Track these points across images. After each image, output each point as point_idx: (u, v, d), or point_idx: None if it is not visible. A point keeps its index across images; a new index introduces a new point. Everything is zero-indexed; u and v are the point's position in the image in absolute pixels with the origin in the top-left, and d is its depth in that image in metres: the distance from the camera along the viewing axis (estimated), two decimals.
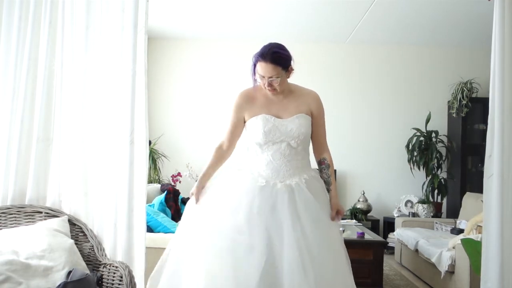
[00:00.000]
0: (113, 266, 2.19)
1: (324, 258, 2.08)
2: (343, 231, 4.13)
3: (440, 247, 4.03)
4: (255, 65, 2.17)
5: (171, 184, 5.26)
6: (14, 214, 2.36)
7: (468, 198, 4.93)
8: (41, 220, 2.36)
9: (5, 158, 2.44)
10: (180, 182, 5.72)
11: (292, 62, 2.20)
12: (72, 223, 2.40)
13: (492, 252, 2.32)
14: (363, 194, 5.98)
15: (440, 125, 6.06)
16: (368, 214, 5.94)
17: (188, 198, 2.43)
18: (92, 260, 2.32)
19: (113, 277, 2.16)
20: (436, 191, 5.76)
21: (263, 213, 2.09)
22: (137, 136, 2.39)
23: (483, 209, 2.41)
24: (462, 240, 2.97)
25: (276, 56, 2.13)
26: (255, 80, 2.23)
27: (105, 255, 2.33)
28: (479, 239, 2.89)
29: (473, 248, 2.71)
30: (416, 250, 4.49)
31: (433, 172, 5.76)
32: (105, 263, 2.25)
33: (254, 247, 2.02)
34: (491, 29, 2.41)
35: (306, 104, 2.29)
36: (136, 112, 2.39)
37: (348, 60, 6.31)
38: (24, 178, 2.46)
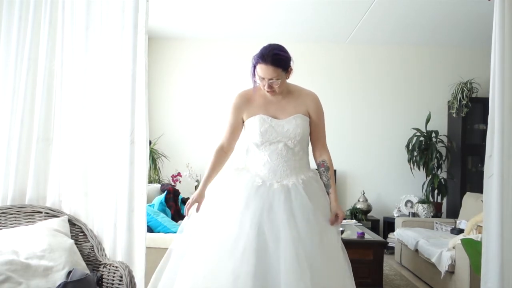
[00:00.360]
0: (113, 266, 2.19)
1: (319, 259, 2.08)
2: (343, 231, 4.13)
3: (440, 247, 4.03)
4: (254, 67, 2.16)
5: (171, 184, 5.26)
6: (14, 214, 2.36)
7: (468, 198, 4.94)
8: (41, 220, 2.36)
9: (5, 158, 2.44)
10: (180, 182, 5.72)
11: (291, 62, 2.19)
12: (72, 223, 2.40)
13: (492, 252, 2.32)
14: (363, 194, 5.98)
15: (440, 125, 6.06)
16: (368, 214, 5.94)
17: (188, 198, 2.44)
18: (92, 260, 2.32)
19: (113, 277, 2.16)
20: (436, 191, 5.76)
21: (259, 213, 2.09)
22: (137, 136, 2.39)
23: (483, 209, 2.41)
24: (462, 240, 2.97)
25: (277, 58, 2.11)
26: (254, 82, 2.22)
27: (105, 255, 2.33)
28: (479, 239, 2.89)
29: (473, 248, 2.71)
30: (416, 250, 4.49)
31: (433, 172, 5.76)
32: (105, 263, 2.25)
33: (250, 247, 2.02)
34: (491, 29, 2.41)
35: (305, 105, 2.28)
36: (136, 112, 2.39)
37: (348, 60, 6.31)
38: (24, 178, 2.46)
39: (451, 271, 3.77)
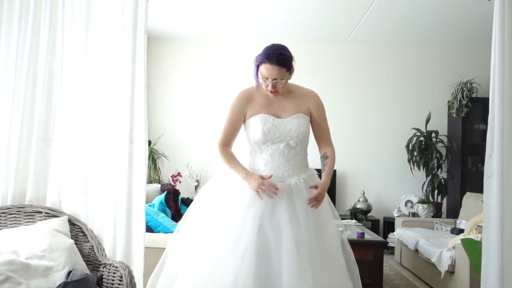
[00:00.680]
0: (113, 266, 2.19)
1: (320, 259, 2.09)
2: (343, 231, 4.12)
3: (440, 247, 4.03)
4: (258, 67, 2.15)
5: (171, 184, 5.25)
6: (14, 214, 2.36)
7: (468, 198, 4.94)
8: (41, 220, 2.36)
9: (5, 158, 2.44)
10: (180, 182, 5.72)
11: (293, 62, 2.19)
12: (72, 223, 2.40)
13: (492, 252, 2.32)
14: (363, 194, 5.98)
15: (440, 125, 6.06)
16: (368, 214, 5.94)
17: (188, 198, 2.43)
18: (92, 260, 2.32)
19: (113, 277, 2.16)
20: (436, 191, 5.76)
21: (260, 214, 2.09)
22: (136, 136, 2.39)
23: (483, 209, 2.41)
24: (462, 240, 2.98)
25: (282, 58, 2.11)
26: (258, 81, 2.21)
27: (105, 255, 2.34)
28: (479, 239, 2.89)
29: (473, 248, 2.71)
30: (416, 250, 4.49)
31: (433, 172, 5.76)
32: (105, 263, 2.25)
33: (251, 248, 2.01)
34: (491, 29, 2.41)
35: (305, 104, 2.29)
36: (135, 112, 2.39)
37: (348, 60, 6.31)
38: (24, 178, 2.46)
39: (451, 271, 3.77)
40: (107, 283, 2.18)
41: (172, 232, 3.34)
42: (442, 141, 5.94)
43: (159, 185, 5.06)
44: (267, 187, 2.07)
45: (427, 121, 5.88)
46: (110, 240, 2.41)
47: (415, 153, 5.85)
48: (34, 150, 2.45)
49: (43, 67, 2.47)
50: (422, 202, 5.77)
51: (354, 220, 5.35)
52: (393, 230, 5.58)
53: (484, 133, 5.41)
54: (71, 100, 2.48)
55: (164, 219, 3.59)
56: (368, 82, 6.31)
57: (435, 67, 6.29)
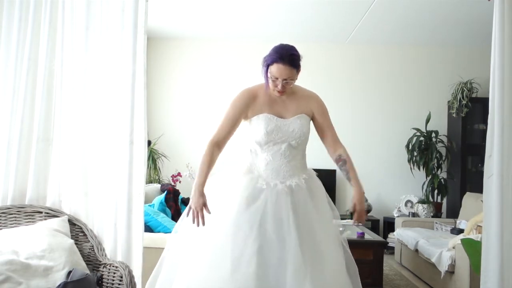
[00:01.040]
0: (113, 266, 2.19)
1: (321, 259, 2.09)
2: (343, 231, 4.12)
3: (440, 247, 4.03)
4: (268, 66, 2.13)
5: (171, 184, 5.25)
6: (14, 214, 2.36)
7: (468, 198, 4.94)
8: (41, 220, 2.36)
9: (5, 158, 2.45)
10: (180, 182, 5.72)
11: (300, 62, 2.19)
12: (72, 223, 2.40)
13: (492, 252, 2.32)
14: (363, 194, 5.96)
15: (440, 125, 6.06)
16: (368, 214, 5.93)
17: (188, 198, 2.42)
18: (92, 260, 2.32)
19: (113, 277, 2.16)
20: (436, 191, 5.76)
21: (261, 214, 2.08)
22: (136, 136, 2.39)
23: (483, 209, 2.41)
24: (462, 240, 2.98)
25: (293, 58, 2.11)
26: (267, 81, 2.17)
27: (105, 255, 2.33)
28: (479, 239, 2.89)
29: (473, 248, 2.71)
30: (416, 250, 4.49)
31: (433, 172, 5.76)
32: (105, 263, 2.25)
33: (251, 249, 2.01)
34: (491, 29, 2.41)
35: (308, 105, 2.29)
36: (135, 112, 2.39)
37: (348, 60, 6.31)
38: (24, 178, 2.46)
39: (451, 271, 3.77)
40: (107, 283, 2.18)
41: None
42: (442, 141, 5.94)
43: (159, 185, 5.06)
44: (197, 215, 2.05)
45: (427, 121, 5.88)
46: (111, 240, 2.41)
47: (415, 153, 5.85)
48: (34, 150, 2.45)
49: (43, 67, 2.47)
50: (422, 202, 5.77)
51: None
52: (393, 230, 5.58)
53: (484, 133, 5.40)
54: (71, 100, 2.48)
55: (164, 219, 3.59)
56: (368, 82, 6.31)
57: (435, 67, 6.29)
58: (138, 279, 2.33)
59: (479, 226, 3.72)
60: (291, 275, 1.98)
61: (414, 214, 5.68)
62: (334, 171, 6.00)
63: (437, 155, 5.79)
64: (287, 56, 2.09)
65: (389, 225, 5.90)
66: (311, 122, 2.32)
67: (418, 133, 5.87)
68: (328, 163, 6.85)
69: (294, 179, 2.19)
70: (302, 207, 2.15)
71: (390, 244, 5.49)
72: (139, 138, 2.40)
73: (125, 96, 2.39)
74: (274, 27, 5.70)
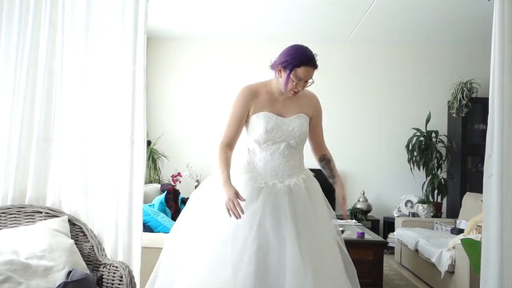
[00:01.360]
0: (113, 266, 2.19)
1: (320, 260, 2.09)
2: (343, 231, 4.13)
3: (440, 247, 4.03)
4: (293, 69, 2.11)
5: (171, 184, 5.26)
6: (14, 214, 2.36)
7: (468, 198, 4.94)
8: (41, 220, 2.36)
9: (5, 158, 2.44)
10: (180, 182, 5.72)
11: None
12: (72, 223, 2.40)
13: (491, 252, 2.32)
14: (363, 194, 5.98)
15: (440, 125, 6.06)
16: (368, 214, 5.94)
17: (188, 198, 2.41)
18: (92, 260, 2.32)
19: (113, 277, 2.16)
20: (436, 191, 5.76)
21: (260, 214, 2.07)
22: (136, 136, 2.39)
23: (483, 209, 2.41)
24: (462, 240, 2.98)
25: (316, 60, 2.18)
26: (288, 83, 2.14)
27: (105, 255, 2.33)
28: (479, 239, 2.89)
29: (473, 248, 2.71)
30: (416, 250, 4.49)
31: (433, 172, 5.76)
32: (105, 263, 2.25)
33: (250, 249, 2.00)
34: (491, 28, 2.41)
35: (307, 105, 2.30)
36: (136, 112, 2.39)
37: (348, 60, 6.31)
38: (24, 178, 2.46)
39: (451, 271, 3.77)
40: (107, 283, 2.18)
41: None
42: (442, 141, 5.94)
43: (159, 185, 5.06)
44: (234, 206, 1.99)
45: (427, 121, 5.88)
46: (112, 240, 2.41)
47: (415, 153, 5.85)
48: (34, 150, 2.45)
49: (43, 67, 2.47)
50: (422, 202, 5.77)
51: (354, 220, 5.35)
52: (393, 230, 5.58)
53: (484, 133, 5.39)
54: (71, 100, 2.48)
55: (164, 219, 3.59)
56: (368, 82, 6.31)
57: (435, 67, 6.29)
58: (137, 279, 2.33)
59: (479, 226, 3.72)
60: (291, 275, 1.97)
61: (414, 214, 5.69)
62: None
63: (437, 155, 5.79)
64: (313, 58, 2.15)
65: (389, 225, 5.90)
66: None
67: (418, 133, 5.87)
68: None
69: (292, 179, 2.19)
70: (301, 207, 2.15)
71: (390, 244, 5.49)
72: (139, 138, 2.40)
73: (125, 96, 2.39)
74: (274, 27, 5.70)
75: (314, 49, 2.26)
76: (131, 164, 2.38)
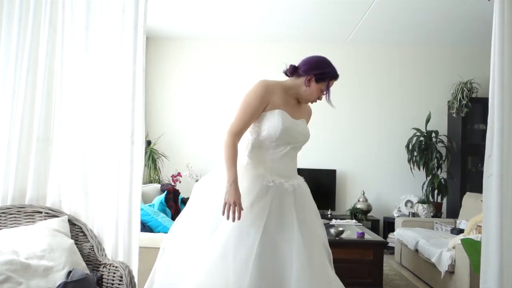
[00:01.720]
0: (113, 266, 2.19)
1: (319, 259, 2.11)
2: (343, 231, 4.13)
3: (440, 247, 4.03)
4: (329, 81, 2.24)
5: (171, 184, 5.26)
6: (14, 214, 2.36)
7: (468, 198, 4.94)
8: (41, 220, 2.36)
9: (5, 158, 2.44)
10: (180, 182, 5.72)
11: None
12: (72, 223, 2.40)
13: (491, 252, 2.32)
14: (363, 194, 5.98)
15: (440, 125, 6.06)
16: (368, 214, 5.94)
17: (188, 198, 2.40)
18: (92, 260, 2.32)
19: (113, 277, 2.16)
20: (436, 191, 5.76)
21: (268, 215, 2.06)
22: (136, 136, 2.39)
23: (483, 209, 2.41)
24: (462, 240, 2.98)
25: None
26: (319, 93, 2.25)
27: (105, 255, 2.34)
28: (479, 239, 2.89)
29: (473, 248, 2.71)
30: (416, 250, 4.49)
31: (433, 172, 5.77)
32: (105, 263, 2.25)
33: (258, 250, 2.00)
34: (491, 28, 2.41)
35: (306, 112, 2.36)
36: (136, 112, 2.40)
37: (348, 60, 6.31)
38: (24, 178, 2.46)
39: (451, 271, 3.77)
40: (107, 283, 2.18)
41: None
42: (442, 141, 5.94)
43: (159, 185, 5.06)
44: (234, 210, 1.98)
45: (427, 121, 5.88)
46: (112, 240, 2.41)
47: (415, 153, 5.85)
48: (34, 150, 2.45)
49: (43, 67, 2.47)
50: (422, 202, 5.77)
51: (354, 220, 5.36)
52: (393, 230, 5.58)
53: (484, 133, 5.40)
54: (71, 100, 2.48)
55: (164, 219, 3.59)
56: (368, 82, 6.32)
57: (435, 67, 6.29)
58: (136, 279, 2.33)
59: (479, 226, 3.72)
60: (296, 275, 1.97)
61: (414, 214, 5.69)
62: (334, 171, 6.01)
63: (437, 155, 5.79)
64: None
65: (389, 225, 5.90)
66: None
67: (418, 133, 5.87)
68: (328, 163, 6.85)
69: (294, 179, 2.21)
70: (305, 207, 2.18)
71: (390, 244, 5.50)
72: (138, 138, 2.40)
73: (125, 96, 2.39)
74: (274, 27, 5.70)
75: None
76: (131, 164, 2.38)
